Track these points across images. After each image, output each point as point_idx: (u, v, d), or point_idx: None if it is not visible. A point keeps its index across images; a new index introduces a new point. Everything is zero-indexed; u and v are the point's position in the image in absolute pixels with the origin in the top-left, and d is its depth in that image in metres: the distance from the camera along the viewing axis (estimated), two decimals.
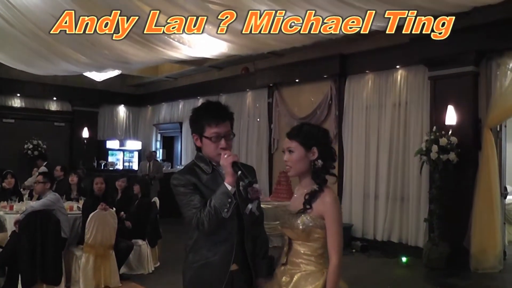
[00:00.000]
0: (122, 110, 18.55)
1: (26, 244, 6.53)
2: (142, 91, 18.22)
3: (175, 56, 7.72)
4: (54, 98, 16.82)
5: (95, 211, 7.06)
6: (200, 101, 14.97)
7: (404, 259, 9.05)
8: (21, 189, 9.83)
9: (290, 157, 2.99)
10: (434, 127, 8.56)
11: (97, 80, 12.23)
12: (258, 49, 7.73)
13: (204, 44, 6.99)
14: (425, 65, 9.22)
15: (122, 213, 8.02)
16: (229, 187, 2.83)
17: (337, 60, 10.77)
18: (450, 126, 8.45)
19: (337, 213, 2.88)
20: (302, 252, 2.94)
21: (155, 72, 14.83)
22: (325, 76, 11.17)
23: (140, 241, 8.09)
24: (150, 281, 7.68)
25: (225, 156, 2.85)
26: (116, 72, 11.03)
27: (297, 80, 11.91)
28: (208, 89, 14.60)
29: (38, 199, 7.28)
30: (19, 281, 6.53)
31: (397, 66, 9.90)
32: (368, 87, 10.47)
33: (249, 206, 2.91)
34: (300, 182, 3.07)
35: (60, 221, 6.89)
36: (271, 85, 12.56)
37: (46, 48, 7.09)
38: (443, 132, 8.35)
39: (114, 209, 7.61)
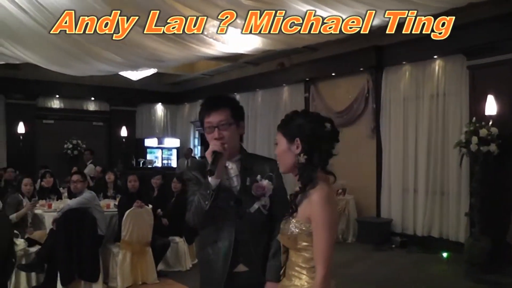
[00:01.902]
0: (159, 108, 18.68)
1: (63, 241, 6.65)
2: (179, 89, 18.30)
3: (209, 53, 7.68)
4: (92, 98, 17.04)
5: (131, 209, 7.14)
6: (237, 98, 14.97)
7: (444, 254, 8.87)
8: (60, 188, 9.98)
9: (276, 150, 2.65)
10: (474, 118, 8.28)
11: (133, 79, 12.34)
12: (292, 43, 7.65)
13: (238, 40, 6.94)
14: (464, 54, 8.99)
15: (159, 210, 8.06)
16: (209, 178, 2.73)
17: (373, 52, 10.63)
18: (490, 117, 8.18)
19: (325, 215, 2.41)
20: (295, 263, 2.55)
21: (191, 69, 14.87)
22: (361, 69, 11.05)
23: (177, 238, 8.14)
24: (187, 278, 7.68)
25: (211, 145, 2.77)
26: (152, 71, 11.10)
27: (333, 74, 11.81)
28: (244, 85, 14.60)
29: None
30: (58, 278, 6.63)
31: (435, 56, 9.69)
32: (405, 78, 10.29)
33: (255, 205, 2.77)
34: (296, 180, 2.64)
35: (97, 219, 6.98)
36: (307, 79, 12.48)
37: (79, 49, 7.13)
38: (483, 123, 8.08)
39: (151, 206, 7.66)
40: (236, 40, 6.97)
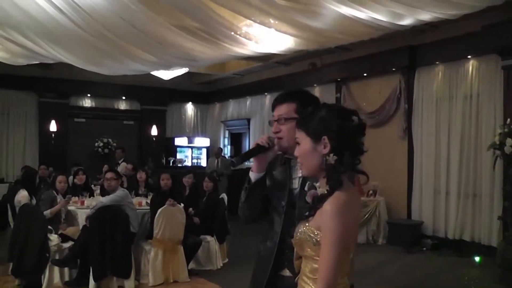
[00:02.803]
0: (190, 108, 18.79)
1: (96, 238, 6.75)
2: (209, 88, 18.37)
3: (242, 53, 7.72)
4: (123, 98, 17.23)
5: (163, 207, 7.20)
6: (267, 98, 15.01)
7: (477, 258, 8.74)
8: (92, 185, 10.11)
9: (298, 150, 2.35)
10: (508, 120, 8.11)
11: (164, 78, 12.39)
12: (325, 43, 7.65)
13: (271, 40, 6.97)
14: (498, 54, 8.81)
15: (191, 209, 8.11)
16: (250, 172, 2.69)
17: (406, 52, 10.52)
18: None
19: (335, 227, 2.10)
20: (303, 271, 2.30)
21: (222, 69, 14.90)
22: (393, 69, 10.95)
23: (208, 237, 8.17)
24: (218, 277, 7.73)
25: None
26: (183, 70, 11.17)
27: (365, 74, 11.74)
28: (275, 85, 14.49)
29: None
30: (91, 274, 6.72)
31: (468, 56, 9.55)
32: (438, 79, 10.16)
33: (308, 213, 2.51)
34: (320, 183, 2.35)
35: (129, 216, 7.05)
36: (338, 80, 12.41)
37: (114, 49, 7.22)
38: None
39: (182, 205, 7.72)
40: (269, 40, 6.99)
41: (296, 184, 2.70)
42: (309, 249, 2.22)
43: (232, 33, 6.59)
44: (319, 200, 2.23)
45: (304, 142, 2.29)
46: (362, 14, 5.75)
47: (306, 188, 2.58)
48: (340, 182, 2.20)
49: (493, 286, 7.54)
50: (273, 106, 2.78)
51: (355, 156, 2.25)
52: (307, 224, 2.25)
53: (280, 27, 6.30)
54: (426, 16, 6.01)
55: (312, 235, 2.20)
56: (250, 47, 7.35)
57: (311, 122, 2.27)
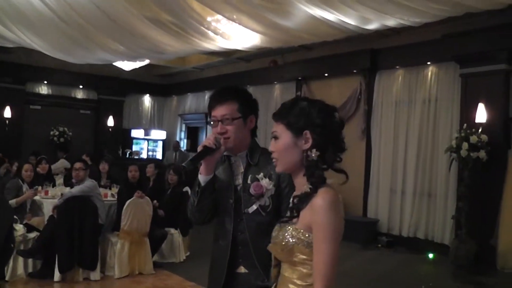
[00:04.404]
0: (147, 100, 18.67)
1: (64, 229, 6.74)
2: (167, 81, 18.30)
3: (210, 48, 7.79)
4: (81, 86, 16.94)
5: (131, 199, 7.23)
6: None
7: (430, 255, 9.11)
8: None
9: (275, 145, 2.22)
10: (465, 125, 8.51)
11: (125, 69, 12.29)
12: (290, 42, 7.79)
13: (237, 36, 7.06)
14: (457, 62, 9.19)
15: (155, 201, 8.14)
16: (199, 175, 2.66)
17: (368, 55, 10.77)
18: (480, 124, 8.43)
19: (329, 223, 1.99)
20: (289, 279, 2.13)
21: (182, 62, 14.85)
22: (354, 71, 11.18)
23: (172, 230, 8.23)
24: (181, 269, 7.82)
25: (204, 140, 2.62)
26: (145, 62, 11.15)
27: (326, 74, 11.93)
28: (235, 81, 14.43)
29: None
30: (56, 265, 6.71)
31: (428, 63, 9.89)
32: (398, 82, 10.47)
33: (254, 205, 2.57)
34: (294, 181, 2.25)
35: (97, 208, 7.04)
36: (299, 78, 12.56)
37: (86, 37, 7.20)
38: (473, 130, 8.34)
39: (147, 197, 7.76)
40: (235, 36, 7.08)
41: (239, 180, 2.71)
42: (299, 254, 2.08)
43: (202, 27, 6.67)
44: (302, 200, 2.11)
45: (284, 136, 2.18)
46: (332, 16, 5.89)
47: (249, 181, 2.61)
48: (324, 178, 2.11)
49: (446, 282, 7.90)
50: (212, 106, 2.74)
51: (337, 153, 2.16)
52: (291, 227, 2.12)
53: (248, 23, 6.39)
54: (391, 22, 6.19)
55: (303, 237, 2.07)
56: (218, 42, 7.43)
57: (292, 115, 2.18)
